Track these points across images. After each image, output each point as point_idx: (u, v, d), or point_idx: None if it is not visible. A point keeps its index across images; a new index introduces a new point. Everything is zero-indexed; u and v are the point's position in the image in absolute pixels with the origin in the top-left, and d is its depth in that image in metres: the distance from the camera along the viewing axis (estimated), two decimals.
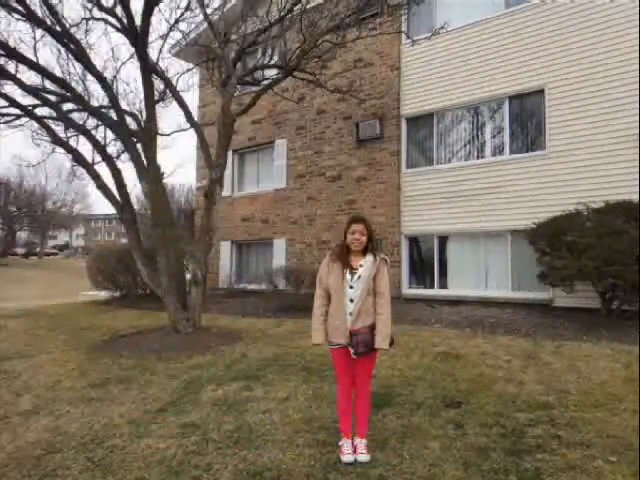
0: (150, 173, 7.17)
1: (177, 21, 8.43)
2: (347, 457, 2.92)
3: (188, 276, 7.79)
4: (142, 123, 7.77)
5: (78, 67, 8.64)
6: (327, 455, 3.03)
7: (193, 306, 7.16)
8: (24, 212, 41.46)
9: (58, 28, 6.90)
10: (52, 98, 7.74)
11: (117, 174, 7.38)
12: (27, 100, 13.06)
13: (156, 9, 6.76)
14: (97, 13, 7.67)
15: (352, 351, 2.93)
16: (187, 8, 8.20)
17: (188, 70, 10.29)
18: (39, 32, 7.74)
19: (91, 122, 9.23)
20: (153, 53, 40.20)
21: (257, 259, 12.39)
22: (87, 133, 7.71)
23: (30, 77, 46.92)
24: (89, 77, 8.88)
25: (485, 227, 8.93)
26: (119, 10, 7.00)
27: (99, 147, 7.64)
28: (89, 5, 7.65)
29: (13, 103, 7.19)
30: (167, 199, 8.02)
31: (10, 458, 3.24)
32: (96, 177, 7.33)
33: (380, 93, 10.34)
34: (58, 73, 7.89)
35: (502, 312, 7.97)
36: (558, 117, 8.27)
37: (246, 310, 9.37)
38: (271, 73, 9.95)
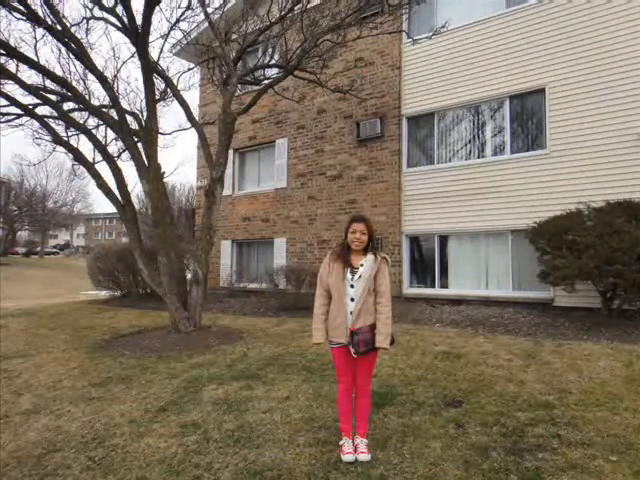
0: (151, 172, 7.17)
1: (178, 20, 8.44)
2: (348, 456, 2.92)
3: (189, 275, 7.80)
4: (143, 122, 7.77)
5: (79, 66, 8.65)
6: (328, 454, 3.03)
7: (194, 305, 7.17)
8: (25, 211, 41.45)
9: (59, 27, 6.91)
10: (53, 97, 7.74)
11: (118, 173, 7.38)
12: (28, 99, 13.05)
13: (157, 8, 6.76)
14: (98, 12, 7.71)
15: (353, 350, 2.93)
16: (188, 7, 8.21)
17: (189, 69, 10.29)
18: (40, 31, 7.77)
19: (92, 121, 9.26)
20: (154, 52, 40.23)
21: (258, 258, 12.39)
22: (88, 132, 7.71)
23: (31, 76, 47.07)
24: (90, 76, 8.89)
25: (486, 226, 8.92)
26: (120, 9, 7.01)
27: (100, 146, 7.64)
28: (90, 4, 7.67)
29: (14, 102, 7.19)
30: (168, 198, 8.02)
31: (11, 457, 3.24)
32: (97, 176, 7.34)
33: (381, 92, 10.33)
34: (59, 72, 7.90)
35: (503, 311, 7.98)
36: (559, 116, 8.25)
37: (246, 309, 9.38)
38: (272, 72, 9.95)
